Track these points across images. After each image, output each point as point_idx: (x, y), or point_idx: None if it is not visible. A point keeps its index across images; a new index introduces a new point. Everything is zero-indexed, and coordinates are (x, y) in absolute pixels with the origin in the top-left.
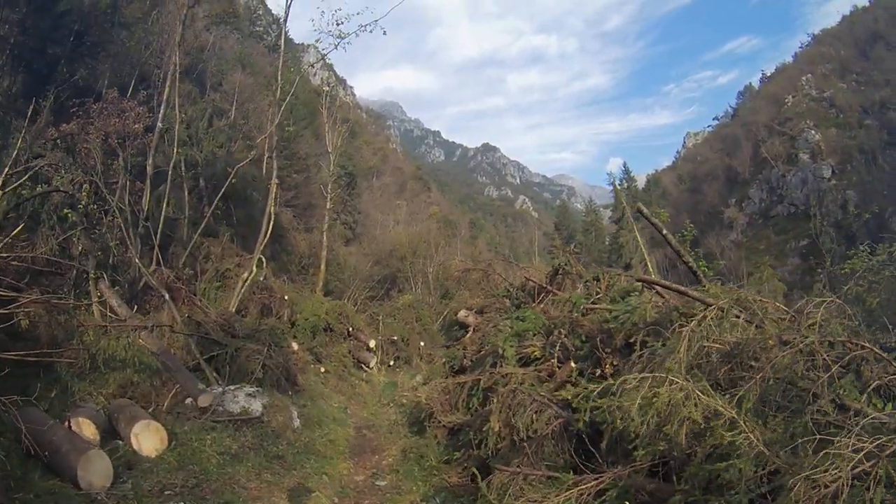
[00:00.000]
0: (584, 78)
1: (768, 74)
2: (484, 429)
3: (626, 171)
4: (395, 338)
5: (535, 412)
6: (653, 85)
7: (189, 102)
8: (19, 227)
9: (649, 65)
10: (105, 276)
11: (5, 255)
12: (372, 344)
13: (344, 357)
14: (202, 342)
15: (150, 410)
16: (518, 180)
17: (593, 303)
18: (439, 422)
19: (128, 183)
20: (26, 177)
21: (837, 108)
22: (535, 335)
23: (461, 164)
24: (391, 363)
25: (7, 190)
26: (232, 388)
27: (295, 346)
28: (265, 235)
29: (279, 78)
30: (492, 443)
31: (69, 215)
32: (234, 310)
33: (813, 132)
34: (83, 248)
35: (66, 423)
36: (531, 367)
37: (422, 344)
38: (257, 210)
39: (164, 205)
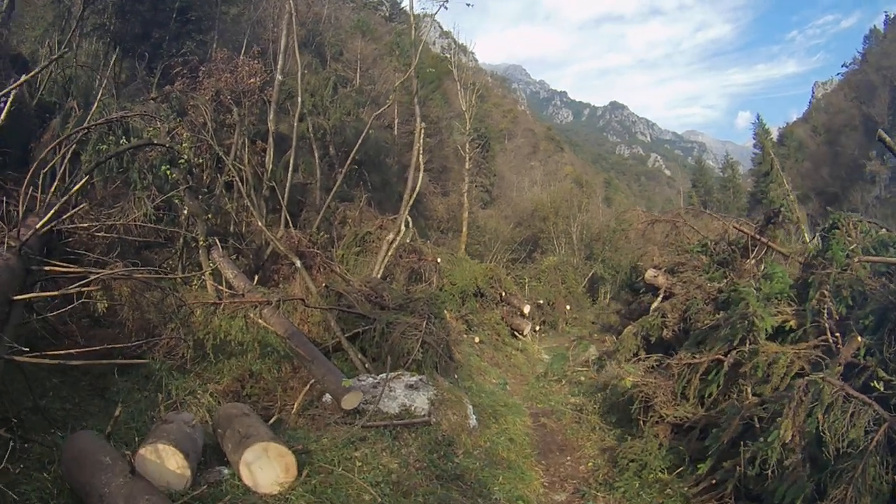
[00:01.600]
0: (706, 28)
1: (892, 16)
2: (768, 439)
3: (761, 124)
4: (541, 301)
5: (849, 415)
6: (776, 33)
7: (311, 72)
8: (83, 182)
9: (770, 10)
10: (219, 243)
11: (85, 225)
12: (526, 310)
13: (497, 324)
14: (343, 317)
15: (272, 420)
16: (648, 138)
17: (847, 256)
18: (661, 416)
19: (246, 142)
20: (107, 129)
21: None
22: (781, 300)
23: (590, 123)
24: (537, 329)
25: (86, 146)
26: (387, 377)
27: (447, 315)
28: (413, 190)
29: (412, 16)
30: (773, 458)
31: (169, 172)
32: (378, 277)
33: None
34: (189, 212)
35: (130, 459)
36: (785, 342)
37: (567, 308)
38: (392, 174)
39: (291, 168)
